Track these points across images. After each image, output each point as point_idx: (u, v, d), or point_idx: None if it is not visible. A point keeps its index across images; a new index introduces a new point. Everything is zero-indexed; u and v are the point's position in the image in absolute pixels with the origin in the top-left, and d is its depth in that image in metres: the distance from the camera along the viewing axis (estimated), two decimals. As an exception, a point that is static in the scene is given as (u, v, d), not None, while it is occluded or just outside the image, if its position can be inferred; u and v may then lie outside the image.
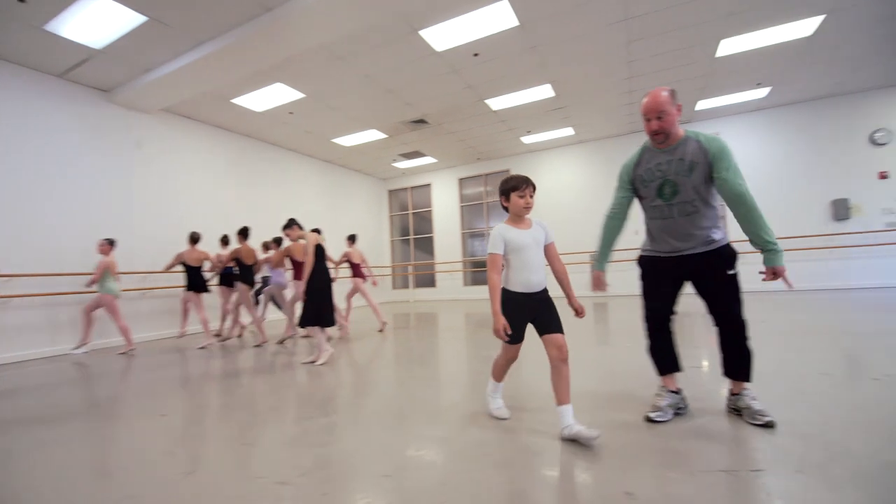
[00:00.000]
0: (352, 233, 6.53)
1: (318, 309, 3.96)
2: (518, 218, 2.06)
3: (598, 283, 2.25)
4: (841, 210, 7.94)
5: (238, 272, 5.53)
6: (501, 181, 2.07)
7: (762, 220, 1.85)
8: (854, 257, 7.85)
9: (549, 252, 2.09)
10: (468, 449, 1.87)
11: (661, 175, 2.01)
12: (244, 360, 4.31)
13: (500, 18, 4.87)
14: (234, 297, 5.88)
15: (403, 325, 6.28)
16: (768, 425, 1.84)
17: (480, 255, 11.58)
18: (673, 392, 2.10)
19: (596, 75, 6.52)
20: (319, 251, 4.08)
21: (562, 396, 1.90)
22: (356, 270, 6.18)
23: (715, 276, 1.99)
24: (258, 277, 6.10)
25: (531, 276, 2.00)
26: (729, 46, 5.85)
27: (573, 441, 1.84)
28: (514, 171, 10.93)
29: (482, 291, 11.22)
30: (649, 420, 2.02)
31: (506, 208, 2.09)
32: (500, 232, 2.01)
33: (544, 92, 7.01)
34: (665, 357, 2.15)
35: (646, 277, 2.18)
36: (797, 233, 8.14)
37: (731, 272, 1.97)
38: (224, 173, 7.85)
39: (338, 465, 1.78)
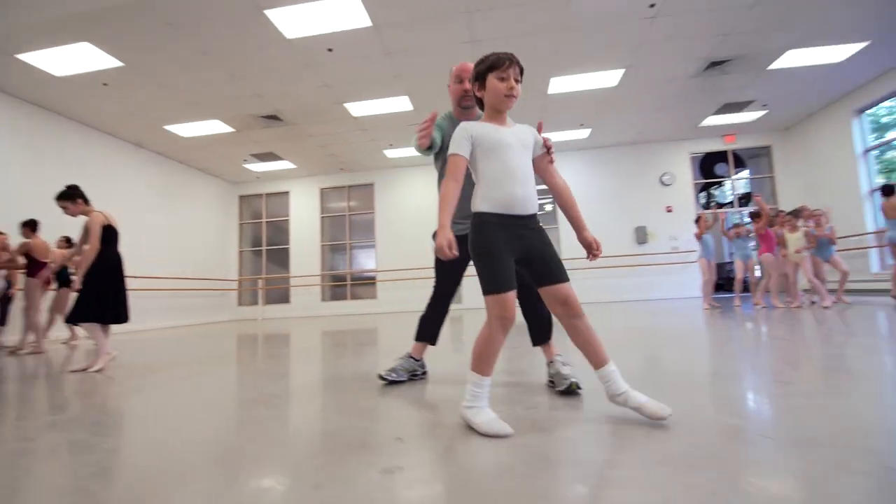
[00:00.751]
0: (31, 220, 5.05)
1: (102, 302, 3.22)
2: (496, 114, 1.49)
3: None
4: (641, 235, 9.70)
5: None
6: (476, 62, 1.51)
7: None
8: (650, 275, 9.59)
9: (539, 166, 1.54)
10: None
11: None
12: (-18, 369, 3.27)
13: (352, 15, 4.85)
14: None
15: (245, 347, 5.56)
16: (571, 389, 1.75)
17: (341, 270, 11.16)
18: (415, 359, 2.28)
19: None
20: (109, 233, 3.36)
21: (595, 358, 1.42)
22: (34, 269, 4.92)
23: None
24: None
25: (516, 189, 1.41)
26: (558, 85, 6.79)
27: (635, 412, 1.37)
28: (379, 186, 10.96)
29: (343, 307, 10.77)
30: (381, 378, 2.18)
31: (480, 102, 1.53)
32: (467, 127, 1.45)
33: (403, 104, 7.20)
34: (430, 327, 2.29)
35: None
36: (610, 253, 9.64)
37: None
38: (9, 150, 6.21)
39: None
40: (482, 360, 1.40)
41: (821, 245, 5.96)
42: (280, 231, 11.47)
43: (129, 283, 3.47)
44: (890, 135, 7.69)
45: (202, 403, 2.05)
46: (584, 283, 9.33)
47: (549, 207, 10.44)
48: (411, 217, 10.68)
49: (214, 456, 1.31)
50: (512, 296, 1.38)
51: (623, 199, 9.95)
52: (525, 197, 1.42)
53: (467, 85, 1.93)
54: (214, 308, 10.51)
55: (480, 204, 1.44)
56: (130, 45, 5.27)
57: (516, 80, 1.45)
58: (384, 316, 9.02)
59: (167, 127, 7.63)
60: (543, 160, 1.54)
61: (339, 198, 11.35)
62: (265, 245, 11.45)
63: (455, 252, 1.35)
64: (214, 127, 7.71)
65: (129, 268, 3.51)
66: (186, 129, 7.78)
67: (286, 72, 5.99)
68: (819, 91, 7.72)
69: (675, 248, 9.53)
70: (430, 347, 2.33)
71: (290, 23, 4.94)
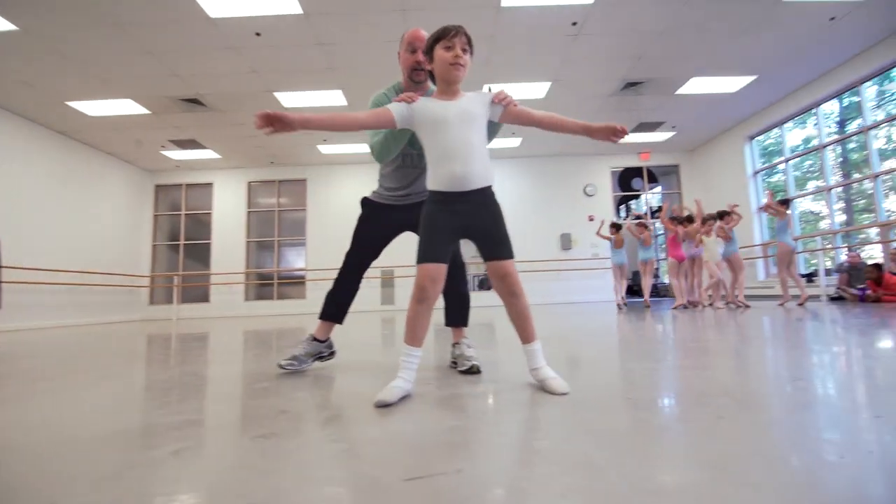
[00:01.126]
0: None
1: None
2: (446, 86, 1.49)
3: None
4: (566, 242, 10.28)
5: None
6: (428, 37, 1.51)
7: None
8: (574, 279, 10.18)
9: (509, 115, 1.54)
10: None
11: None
12: None
13: (282, 0, 4.72)
14: None
15: (149, 347, 5.12)
16: (472, 370, 1.79)
17: (268, 268, 10.66)
18: (319, 340, 2.09)
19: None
20: None
21: (523, 334, 1.52)
22: None
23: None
24: None
25: (455, 167, 1.43)
26: (490, 92, 7.04)
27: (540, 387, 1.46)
28: (312, 182, 10.65)
29: (268, 307, 10.28)
30: (280, 367, 2.00)
31: (432, 76, 1.54)
32: (413, 104, 1.48)
33: (336, 98, 7.08)
34: (335, 304, 2.08)
35: (365, 222, 2.10)
36: (538, 258, 10.11)
37: None
38: None
39: None
40: (407, 330, 1.47)
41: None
42: (201, 225, 10.74)
43: (22, 276, 3.09)
44: (775, 160, 8.82)
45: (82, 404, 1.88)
46: (512, 285, 9.69)
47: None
48: (346, 216, 10.35)
49: (86, 428, 1.22)
50: (426, 268, 1.43)
51: (550, 207, 10.49)
52: (465, 173, 1.43)
53: (420, 56, 1.76)
54: (122, 306, 9.58)
55: (428, 182, 1.50)
56: (28, 7, 4.72)
57: (463, 50, 1.45)
58: (313, 316, 8.74)
59: (71, 103, 6.90)
60: (508, 111, 1.53)
61: (269, 193, 10.87)
62: (183, 239, 10.65)
63: (269, 127, 1.35)
64: (127, 107, 7.09)
65: (21, 259, 3.13)
66: (94, 108, 7.08)
67: (209, 53, 5.67)
68: (718, 117, 8.70)
69: (595, 254, 10.19)
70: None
71: (213, 0, 4.70)
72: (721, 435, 0.96)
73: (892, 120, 6.48)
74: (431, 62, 1.50)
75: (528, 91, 7.08)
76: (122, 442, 1.10)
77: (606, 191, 10.67)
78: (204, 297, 10.41)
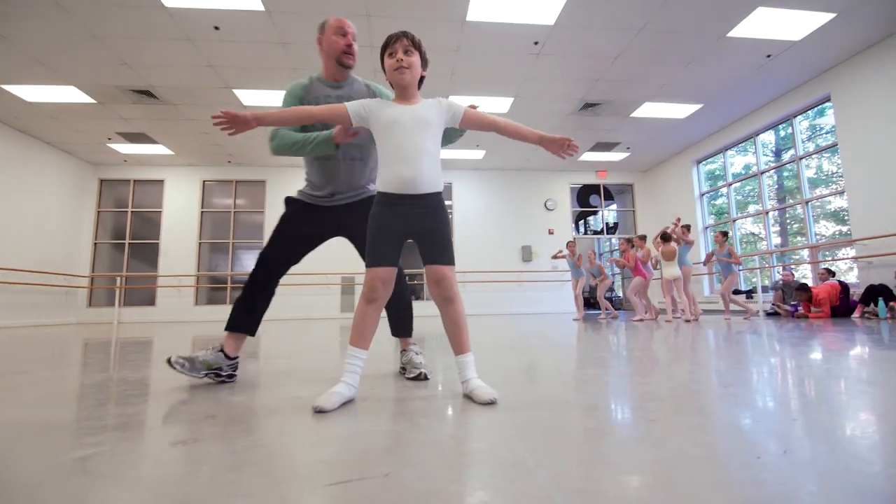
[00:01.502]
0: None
1: None
2: (400, 91, 1.53)
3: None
4: (527, 254, 10.48)
5: None
6: (423, 47, 1.55)
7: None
8: (534, 290, 10.37)
9: (469, 121, 1.57)
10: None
11: None
12: None
13: (243, -5, 4.61)
14: None
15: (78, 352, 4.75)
16: (420, 377, 1.78)
17: (222, 271, 10.20)
18: (227, 356, 1.80)
19: (349, 96, 6.89)
20: None
21: (455, 344, 1.49)
22: None
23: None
24: None
25: (404, 170, 1.44)
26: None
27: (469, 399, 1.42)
28: (272, 184, 10.35)
29: (220, 312, 9.80)
30: (169, 363, 1.71)
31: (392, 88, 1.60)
32: (370, 102, 1.52)
33: (300, 100, 6.94)
34: (245, 313, 1.84)
35: (286, 222, 1.92)
36: (499, 268, 10.25)
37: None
38: None
39: None
40: (353, 330, 1.46)
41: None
42: (149, 224, 10.16)
43: None
44: (719, 184, 9.41)
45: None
46: (474, 295, 9.78)
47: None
48: (305, 220, 10.23)
49: (-36, 438, 1.10)
50: (377, 271, 1.44)
51: (512, 219, 10.70)
52: (413, 177, 1.44)
53: (351, 39, 1.82)
54: (57, 308, 8.87)
55: (377, 183, 1.51)
56: (-47, -21, 4.35)
57: (406, 52, 1.48)
58: (269, 324, 8.44)
59: (6, 87, 6.38)
60: (467, 116, 1.56)
61: (225, 193, 10.46)
62: (129, 238, 10.03)
63: (231, 128, 1.43)
64: (69, 94, 6.64)
65: None
66: (31, 93, 6.58)
67: (162, 43, 5.41)
68: (669, 141, 9.20)
69: (554, 266, 10.45)
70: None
71: (169, -10, 4.52)
72: (652, 437, 0.99)
73: (821, 151, 7.10)
74: (384, 72, 1.54)
75: (491, 105, 7.22)
76: (25, 449, 1.00)
77: (566, 206, 11.00)
78: (150, 300, 9.81)
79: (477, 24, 5.21)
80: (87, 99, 6.79)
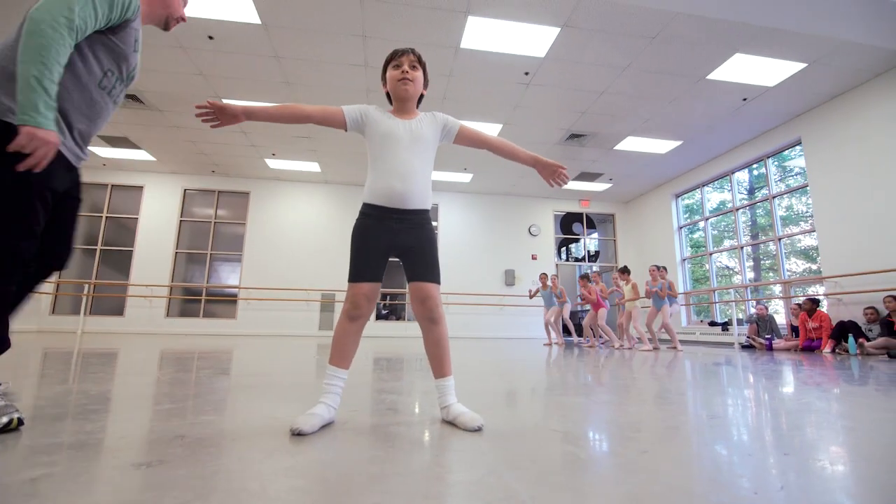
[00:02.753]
0: None
1: None
2: (399, 104, 1.53)
3: None
4: (510, 278, 10.51)
5: None
6: (424, 64, 1.55)
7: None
8: (516, 315, 10.36)
9: (463, 137, 1.60)
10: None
11: None
12: None
13: (239, 7, 4.62)
14: None
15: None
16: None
17: (197, 282, 9.89)
18: None
19: (340, 113, 6.90)
20: None
21: (435, 367, 1.45)
22: None
23: None
24: None
25: (395, 184, 1.42)
26: (445, 126, 7.24)
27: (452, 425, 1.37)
28: (256, 196, 10.21)
29: (192, 325, 9.48)
30: None
31: (388, 99, 1.58)
32: (366, 108, 1.50)
33: (290, 114, 6.92)
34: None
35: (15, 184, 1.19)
36: (482, 291, 10.23)
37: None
38: None
39: None
40: (333, 349, 1.40)
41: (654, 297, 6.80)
42: (124, 230, 9.84)
43: None
44: (696, 218, 9.70)
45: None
46: (455, 318, 9.70)
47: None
48: (288, 234, 10.10)
49: None
50: (362, 287, 1.40)
51: (496, 243, 10.76)
52: (404, 192, 1.42)
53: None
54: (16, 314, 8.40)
55: (365, 194, 1.47)
56: (-62, -29, 4.25)
57: (412, 66, 1.49)
58: (243, 338, 8.17)
59: (-19, 82, 6.18)
60: (462, 132, 1.58)
61: (206, 203, 10.24)
62: (101, 244, 9.68)
63: (214, 120, 1.37)
64: (51, 95, 6.47)
65: None
66: (9, 91, 6.39)
67: (153, 48, 5.35)
68: (649, 174, 9.49)
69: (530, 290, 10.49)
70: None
71: (165, -1, 4.49)
72: (646, 469, 0.96)
73: (792, 191, 7.41)
74: (386, 85, 1.54)
75: (480, 130, 7.34)
76: (-35, 468, 0.91)
77: (549, 232, 11.14)
78: (118, 310, 9.40)
79: (471, 52, 5.34)
80: (70, 100, 6.62)
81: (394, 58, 1.51)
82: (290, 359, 3.84)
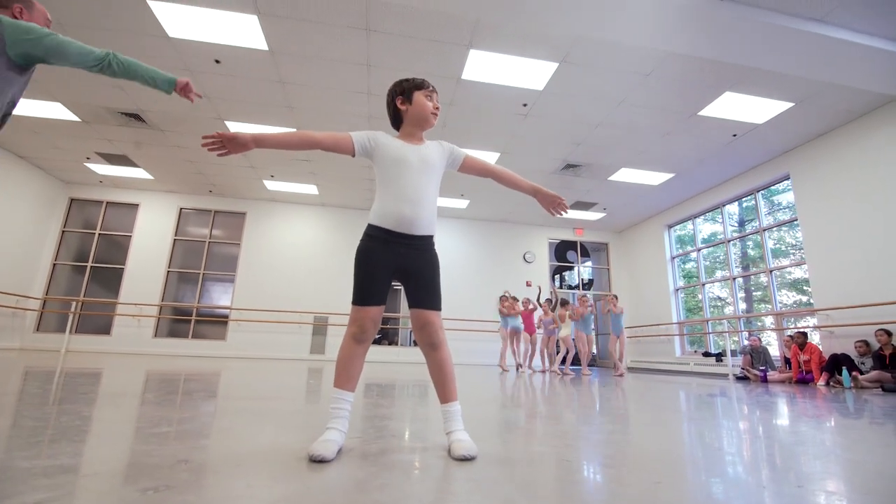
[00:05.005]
0: None
1: None
2: (415, 130, 1.56)
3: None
4: (503, 304, 10.48)
5: None
6: (396, 82, 1.57)
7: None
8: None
9: (468, 166, 1.64)
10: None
11: None
12: None
13: (248, 34, 4.75)
14: None
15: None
16: None
17: (188, 303, 9.74)
18: None
19: (341, 138, 7.00)
20: None
21: (440, 392, 1.44)
22: None
23: None
24: None
25: (405, 209, 1.42)
26: (444, 153, 7.37)
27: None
28: (253, 217, 10.21)
29: (180, 346, 9.28)
30: None
31: (396, 119, 1.58)
32: (375, 135, 1.51)
33: (291, 137, 7.02)
34: None
35: None
36: (476, 317, 10.18)
37: None
38: None
39: None
40: (338, 371, 1.40)
41: (584, 321, 7.46)
42: (116, 247, 9.73)
43: None
44: (688, 248, 9.85)
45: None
46: (451, 344, 9.59)
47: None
48: (283, 256, 10.06)
49: None
50: (369, 311, 1.40)
51: (491, 268, 10.80)
52: (413, 217, 1.43)
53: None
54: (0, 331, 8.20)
55: (372, 216, 1.47)
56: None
57: (438, 102, 1.59)
58: (232, 361, 8.01)
59: (-16, 98, 6.22)
60: (466, 162, 1.63)
61: (202, 222, 10.21)
62: (92, 261, 9.54)
63: (222, 149, 1.42)
64: (54, 111, 6.52)
65: None
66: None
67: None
68: (643, 205, 9.67)
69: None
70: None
71: (176, 22, 4.62)
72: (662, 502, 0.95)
73: (781, 225, 7.58)
74: (408, 102, 1.55)
75: (481, 157, 7.48)
76: (-35, 490, 0.88)
77: (544, 259, 11.22)
78: (105, 329, 9.20)
79: (471, 83, 5.51)
80: (73, 117, 6.68)
81: (425, 87, 1.56)
82: (285, 383, 3.76)
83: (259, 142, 1.41)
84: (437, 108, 1.56)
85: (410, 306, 1.47)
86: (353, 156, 1.52)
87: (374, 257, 1.43)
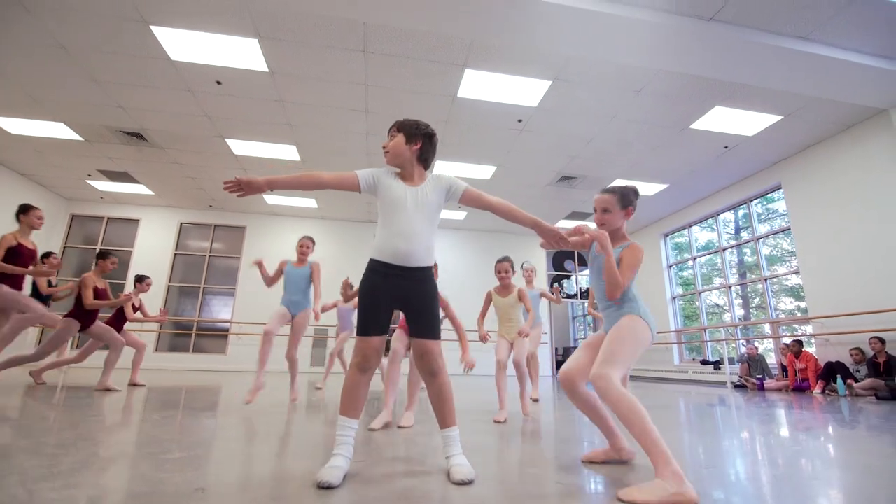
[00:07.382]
0: None
1: None
2: (402, 171, 1.68)
3: None
4: (502, 314, 10.55)
5: None
6: (414, 124, 1.67)
7: None
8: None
9: (468, 199, 1.69)
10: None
11: None
12: None
13: (249, 56, 4.86)
14: None
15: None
16: None
17: (188, 317, 9.77)
18: None
19: (338, 153, 7.10)
20: None
21: (439, 418, 1.52)
22: None
23: None
24: None
25: (400, 245, 1.54)
26: (441, 168, 7.47)
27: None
28: (252, 231, 10.28)
29: (181, 360, 9.29)
30: None
31: (424, 158, 1.71)
32: (380, 174, 1.63)
33: (290, 153, 7.13)
34: None
35: None
36: (474, 328, 10.21)
37: None
38: None
39: None
40: (344, 400, 1.47)
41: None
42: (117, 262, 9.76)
43: None
44: (685, 256, 9.94)
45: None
46: (449, 354, 9.63)
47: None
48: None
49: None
50: (371, 341, 1.49)
51: (489, 278, 10.84)
52: (408, 252, 1.54)
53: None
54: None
55: (373, 251, 1.58)
56: (-39, 17, 4.44)
57: (390, 137, 1.68)
58: (233, 375, 8.03)
59: (-11, 117, 6.32)
60: (466, 194, 1.68)
61: (202, 236, 10.28)
62: (92, 277, 9.56)
63: (239, 191, 1.50)
64: (57, 130, 6.62)
65: None
66: (16, 125, 6.53)
67: (161, 91, 5.55)
68: (638, 215, 9.76)
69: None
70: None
71: (178, 45, 4.73)
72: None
73: (775, 233, 7.70)
74: (417, 144, 1.68)
75: (475, 172, 7.60)
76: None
77: (542, 269, 11.30)
78: (104, 345, 9.20)
79: (467, 101, 5.62)
80: (75, 136, 6.77)
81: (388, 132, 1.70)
82: (287, 398, 3.80)
83: (272, 184, 1.52)
84: (384, 146, 1.67)
85: (411, 336, 1.57)
86: (360, 192, 1.62)
87: (375, 291, 1.53)
